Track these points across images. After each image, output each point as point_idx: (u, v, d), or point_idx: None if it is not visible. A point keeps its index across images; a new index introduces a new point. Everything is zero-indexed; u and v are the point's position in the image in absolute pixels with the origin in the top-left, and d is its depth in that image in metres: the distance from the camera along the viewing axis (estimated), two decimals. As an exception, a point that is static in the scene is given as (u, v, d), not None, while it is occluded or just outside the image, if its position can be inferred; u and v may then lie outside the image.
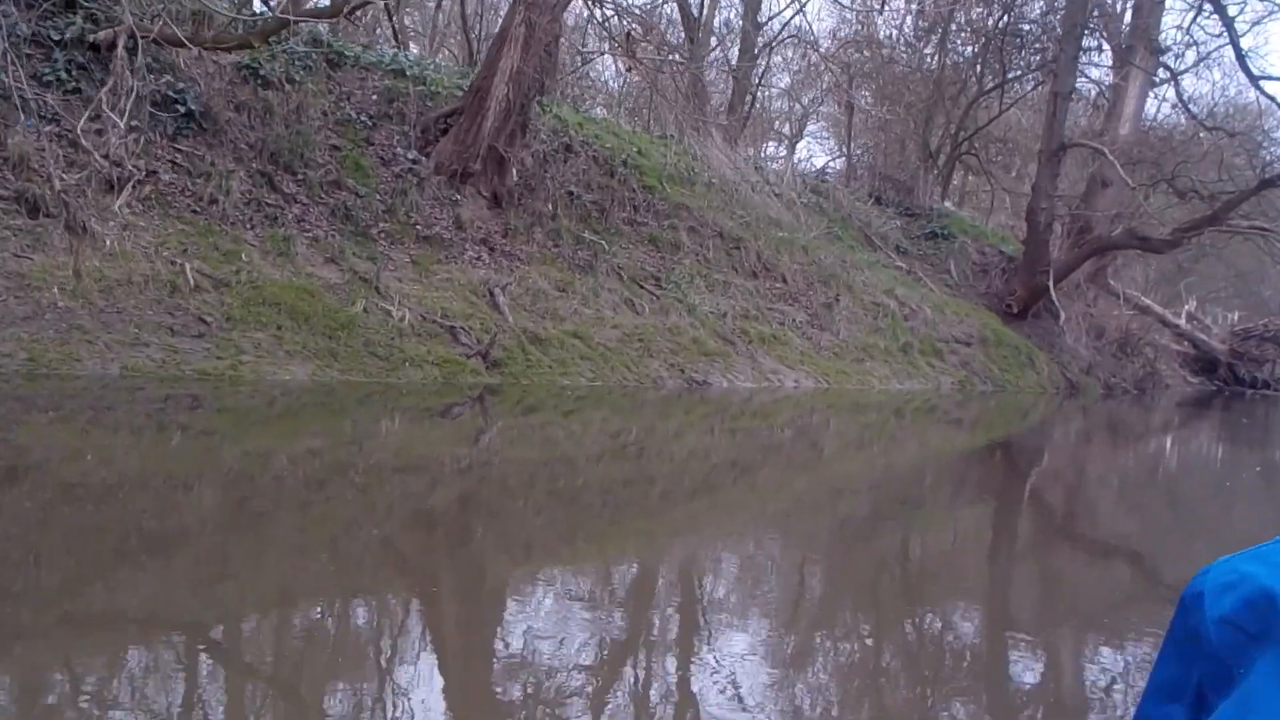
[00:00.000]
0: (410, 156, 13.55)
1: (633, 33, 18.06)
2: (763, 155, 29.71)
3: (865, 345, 17.22)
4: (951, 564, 6.36)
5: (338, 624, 3.99)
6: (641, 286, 14.71)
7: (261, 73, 12.57)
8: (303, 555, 4.85)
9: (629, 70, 20.58)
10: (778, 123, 34.03)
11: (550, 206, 14.75)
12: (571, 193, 15.24)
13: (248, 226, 11.12)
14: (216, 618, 3.88)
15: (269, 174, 11.86)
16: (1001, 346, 20.17)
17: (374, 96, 14.13)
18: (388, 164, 13.36)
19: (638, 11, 19.37)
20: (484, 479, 7.17)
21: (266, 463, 6.81)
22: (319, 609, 4.13)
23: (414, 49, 21.93)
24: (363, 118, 13.63)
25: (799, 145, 34.87)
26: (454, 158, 13.70)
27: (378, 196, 12.71)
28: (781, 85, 30.68)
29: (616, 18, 18.19)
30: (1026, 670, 4.30)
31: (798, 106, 31.58)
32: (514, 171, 14.30)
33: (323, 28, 13.39)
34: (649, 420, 10.79)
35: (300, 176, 12.16)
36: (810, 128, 34.75)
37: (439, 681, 3.48)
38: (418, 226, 12.82)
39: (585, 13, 18.66)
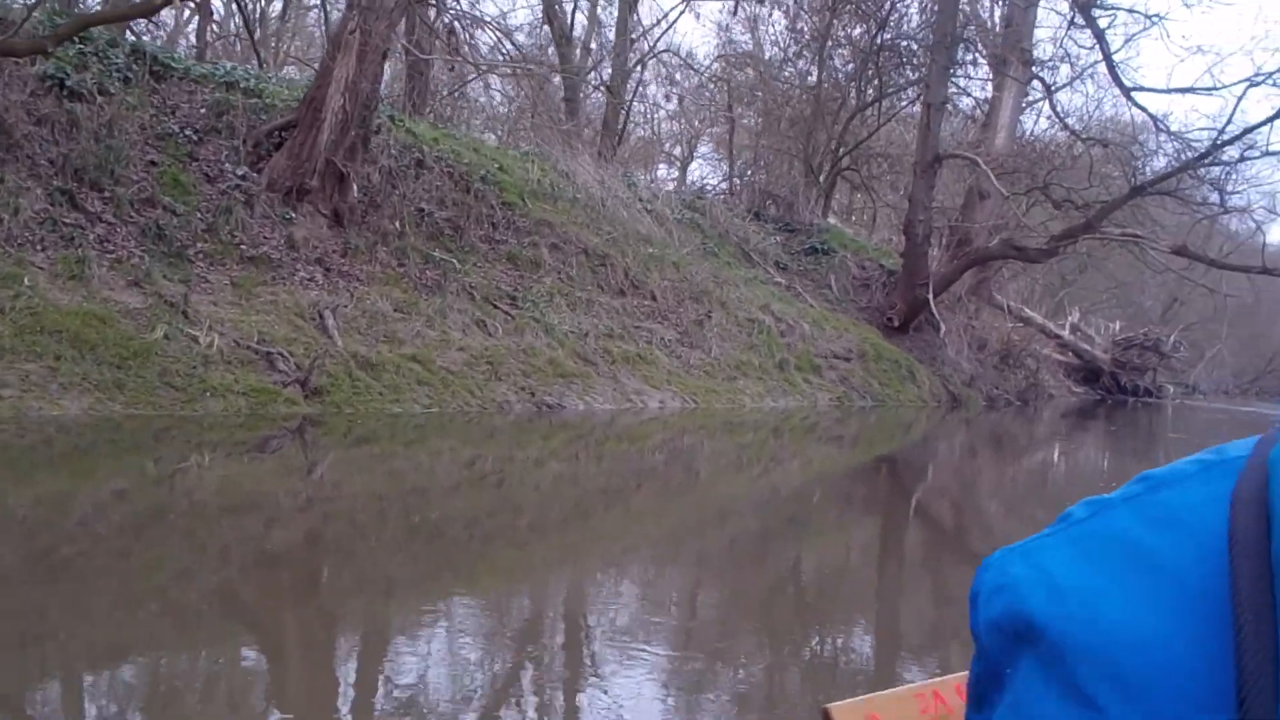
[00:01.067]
0: (239, 173, 13.28)
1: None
2: (654, 179, 30.59)
3: (738, 363, 17.65)
4: (842, 581, 6.62)
5: (177, 681, 3.91)
6: (495, 306, 14.74)
7: (68, 84, 12.18)
8: (130, 608, 4.71)
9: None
10: (669, 145, 35.06)
11: (397, 224, 14.65)
12: (422, 210, 15.19)
13: (38, 248, 10.72)
14: (34, 682, 3.75)
15: (70, 191, 11.46)
16: (881, 361, 20.97)
17: (202, 110, 13.81)
18: (213, 180, 13.05)
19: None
20: (328, 515, 7.07)
21: (66, 507, 6.55)
22: (154, 666, 4.03)
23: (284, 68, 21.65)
24: (187, 132, 13.30)
25: (690, 168, 36.12)
26: (288, 174, 13.48)
27: (198, 215, 12.42)
28: (670, 108, 31.69)
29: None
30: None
31: (688, 129, 32.61)
32: (355, 187, 14.16)
33: (152, 40, 12.98)
34: (504, 448, 10.80)
35: (108, 194, 11.78)
36: (703, 149, 35.97)
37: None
38: (242, 246, 12.56)
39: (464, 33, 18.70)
